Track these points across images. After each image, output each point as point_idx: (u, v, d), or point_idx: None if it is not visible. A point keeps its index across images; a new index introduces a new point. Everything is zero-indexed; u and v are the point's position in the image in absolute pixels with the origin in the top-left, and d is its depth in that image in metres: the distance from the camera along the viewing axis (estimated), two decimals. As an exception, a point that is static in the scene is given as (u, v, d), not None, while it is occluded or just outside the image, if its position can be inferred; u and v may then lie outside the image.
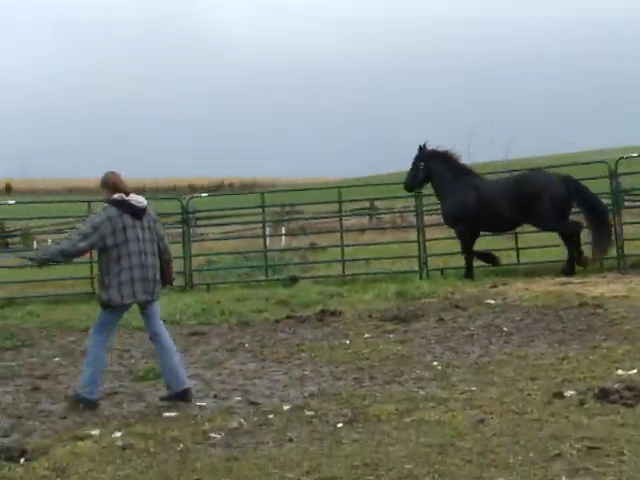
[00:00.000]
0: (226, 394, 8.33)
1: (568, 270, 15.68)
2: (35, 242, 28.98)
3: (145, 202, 8.14)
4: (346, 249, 18.92)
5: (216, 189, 79.44)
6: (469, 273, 16.33)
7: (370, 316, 12.50)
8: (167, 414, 7.59)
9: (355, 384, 8.44)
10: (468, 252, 16.43)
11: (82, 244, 7.85)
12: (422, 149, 16.66)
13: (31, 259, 8.50)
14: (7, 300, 16.59)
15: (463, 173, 16.50)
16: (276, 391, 8.36)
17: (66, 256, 8.03)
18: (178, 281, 17.76)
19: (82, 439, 6.86)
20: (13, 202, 24.89)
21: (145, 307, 8.19)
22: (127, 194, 8.04)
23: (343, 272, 18.12)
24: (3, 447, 6.64)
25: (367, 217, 35.39)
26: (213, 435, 6.87)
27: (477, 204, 16.07)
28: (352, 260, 19.03)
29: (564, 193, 15.82)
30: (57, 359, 10.68)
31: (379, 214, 35.91)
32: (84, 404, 7.89)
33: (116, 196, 8.01)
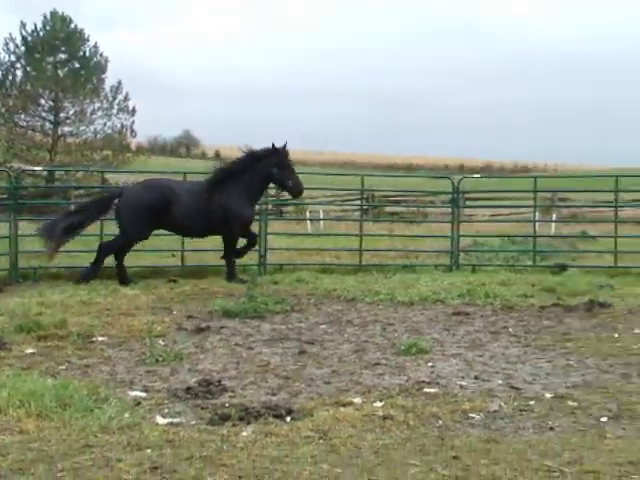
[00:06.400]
0: (487, 376, 8.27)
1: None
2: (308, 212, 29.95)
3: None
4: (619, 240, 18.21)
5: (481, 171, 78.49)
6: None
7: (642, 311, 12.01)
8: (427, 390, 7.63)
9: (622, 379, 8.13)
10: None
11: None
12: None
13: None
14: (278, 266, 17.26)
15: None
16: (538, 378, 8.20)
17: None
18: (444, 260, 17.84)
19: (344, 405, 7.05)
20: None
21: None
22: None
23: (615, 264, 17.46)
24: (271, 404, 6.96)
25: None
26: (472, 415, 6.86)
27: None
28: (626, 252, 18.30)
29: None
30: (323, 326, 11.00)
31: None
32: None
33: None
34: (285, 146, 15.00)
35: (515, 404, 7.19)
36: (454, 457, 5.78)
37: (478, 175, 27.50)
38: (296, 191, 15.32)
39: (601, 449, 5.95)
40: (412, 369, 8.54)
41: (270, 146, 14.96)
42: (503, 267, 17.25)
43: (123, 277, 14.52)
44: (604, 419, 6.76)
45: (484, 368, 8.64)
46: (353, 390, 7.67)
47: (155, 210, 14.45)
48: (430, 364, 8.77)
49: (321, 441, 6.11)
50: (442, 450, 5.94)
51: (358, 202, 29.29)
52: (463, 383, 7.97)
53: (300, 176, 15.30)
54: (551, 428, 6.51)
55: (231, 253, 15.17)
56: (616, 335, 10.33)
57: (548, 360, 9.02)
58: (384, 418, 6.67)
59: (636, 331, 10.56)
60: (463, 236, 18.47)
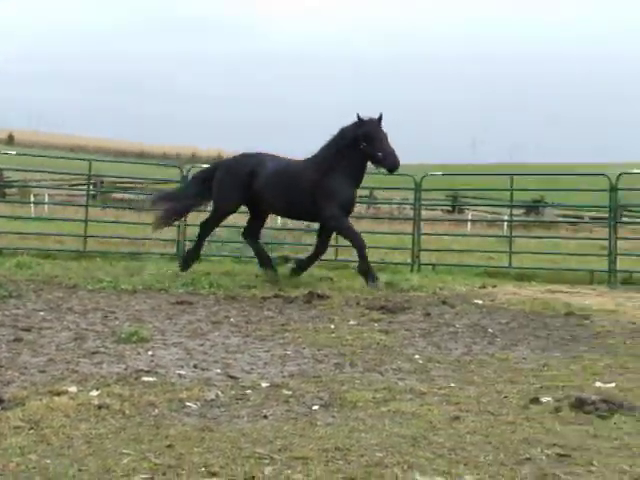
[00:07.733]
0: (206, 365, 8.34)
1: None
2: (32, 195, 28.93)
3: None
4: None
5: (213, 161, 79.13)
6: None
7: (357, 303, 12.52)
8: (146, 378, 7.60)
9: (335, 369, 8.45)
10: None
11: None
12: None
13: None
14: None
15: None
16: (256, 367, 8.37)
17: None
18: (170, 249, 17.82)
19: (59, 394, 6.88)
20: (14, 153, 24.71)
21: None
22: None
23: (335, 257, 18.15)
24: (-20, 394, 6.69)
25: (365, 205, 35.49)
26: (189, 404, 6.89)
27: None
28: (345, 246, 19.05)
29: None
30: (42, 313, 10.69)
31: (377, 204, 36.05)
32: None
33: None
34: (380, 118, 13.95)
35: (232, 393, 7.30)
36: (168, 446, 5.78)
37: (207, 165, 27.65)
38: (389, 164, 13.86)
39: (311, 436, 6.15)
40: (131, 357, 8.47)
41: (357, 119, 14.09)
42: (229, 257, 17.47)
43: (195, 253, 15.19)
44: (316, 407, 7.00)
45: (204, 357, 8.71)
46: (69, 379, 7.50)
47: (241, 182, 14.30)
48: (150, 353, 8.74)
49: (32, 431, 5.94)
50: (157, 439, 5.93)
51: (85, 187, 28.61)
52: (182, 372, 7.99)
53: (24, 158, 14.77)
54: (265, 416, 6.66)
55: (356, 240, 14.47)
56: (332, 326, 10.72)
57: (266, 350, 9.22)
58: (99, 407, 6.57)
59: (351, 322, 11.00)
60: (190, 225, 18.51)
